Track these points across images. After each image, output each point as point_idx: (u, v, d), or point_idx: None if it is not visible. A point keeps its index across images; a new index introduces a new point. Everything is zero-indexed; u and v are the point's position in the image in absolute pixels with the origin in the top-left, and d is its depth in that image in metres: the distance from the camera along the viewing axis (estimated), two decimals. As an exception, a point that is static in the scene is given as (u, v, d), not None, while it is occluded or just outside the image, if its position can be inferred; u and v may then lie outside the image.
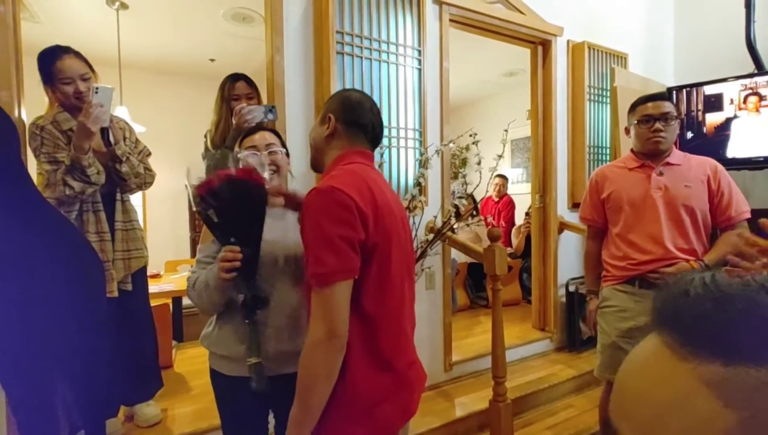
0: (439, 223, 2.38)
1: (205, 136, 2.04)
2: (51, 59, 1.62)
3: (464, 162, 6.32)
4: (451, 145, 2.41)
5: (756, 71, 3.07)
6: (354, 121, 1.02)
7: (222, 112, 1.96)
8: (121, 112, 3.27)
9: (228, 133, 1.83)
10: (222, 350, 1.17)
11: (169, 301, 2.85)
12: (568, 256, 3.07)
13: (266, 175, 1.13)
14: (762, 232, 0.91)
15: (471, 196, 3.66)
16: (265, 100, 2.09)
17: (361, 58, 2.14)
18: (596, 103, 3.11)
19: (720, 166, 1.62)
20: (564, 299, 3.05)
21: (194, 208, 1.10)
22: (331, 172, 0.98)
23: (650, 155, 1.64)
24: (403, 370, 1.00)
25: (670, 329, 0.31)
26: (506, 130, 2.32)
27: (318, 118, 1.09)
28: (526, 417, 2.35)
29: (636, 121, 1.65)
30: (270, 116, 1.70)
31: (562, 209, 3.07)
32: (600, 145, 3.15)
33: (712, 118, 3.08)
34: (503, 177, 4.74)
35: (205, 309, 1.18)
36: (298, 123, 2.04)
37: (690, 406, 0.28)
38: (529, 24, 2.77)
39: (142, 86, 4.60)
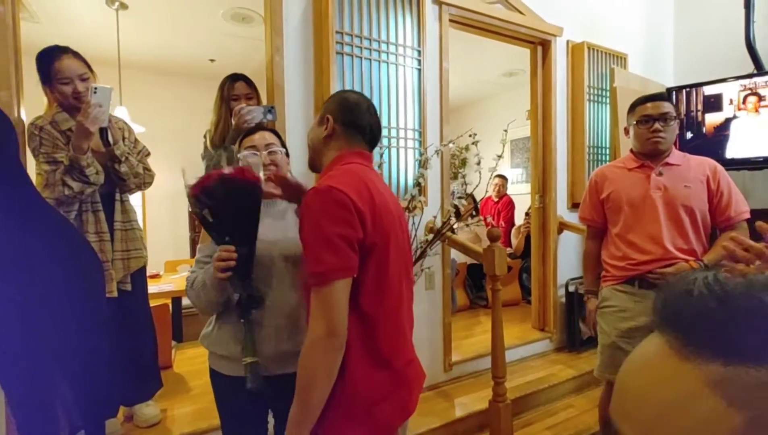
0: (438, 223, 2.38)
1: (205, 137, 2.04)
2: (49, 59, 1.62)
3: (464, 162, 6.32)
4: (450, 145, 2.41)
5: (755, 71, 3.07)
6: (352, 122, 1.03)
7: (221, 112, 1.96)
8: (120, 112, 3.27)
9: (227, 134, 1.83)
10: (222, 350, 1.17)
11: (169, 301, 2.85)
12: (568, 257, 3.07)
13: (261, 174, 1.13)
14: (759, 235, 0.91)
15: (471, 196, 3.66)
16: (264, 100, 2.09)
17: (361, 58, 2.14)
18: (596, 104, 3.11)
19: (719, 167, 1.62)
20: (564, 299, 3.05)
21: (191, 208, 1.10)
22: (329, 172, 0.99)
23: (650, 155, 1.64)
24: (402, 369, 1.00)
25: (672, 329, 0.31)
26: (506, 131, 2.32)
27: (316, 118, 1.09)
28: (525, 417, 2.35)
29: (635, 122, 1.65)
30: (269, 117, 1.70)
31: (562, 209, 3.07)
32: (600, 145, 3.15)
33: (712, 119, 3.08)
34: (503, 177, 4.74)
35: (203, 309, 1.18)
36: (298, 123, 2.04)
37: (693, 407, 0.28)
38: (528, 24, 2.77)
39: (142, 86, 4.60)
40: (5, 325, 1.13)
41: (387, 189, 1.07)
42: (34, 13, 3.34)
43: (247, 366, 1.08)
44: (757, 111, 2.89)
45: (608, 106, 3.16)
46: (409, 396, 1.02)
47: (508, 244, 4.29)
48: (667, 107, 1.60)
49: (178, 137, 4.68)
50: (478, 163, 2.20)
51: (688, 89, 3.17)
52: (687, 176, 1.60)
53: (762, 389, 0.26)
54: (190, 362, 2.72)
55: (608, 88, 3.14)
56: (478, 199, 4.19)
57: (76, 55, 1.68)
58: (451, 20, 2.49)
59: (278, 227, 1.22)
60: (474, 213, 4.16)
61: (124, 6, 3.31)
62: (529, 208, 3.33)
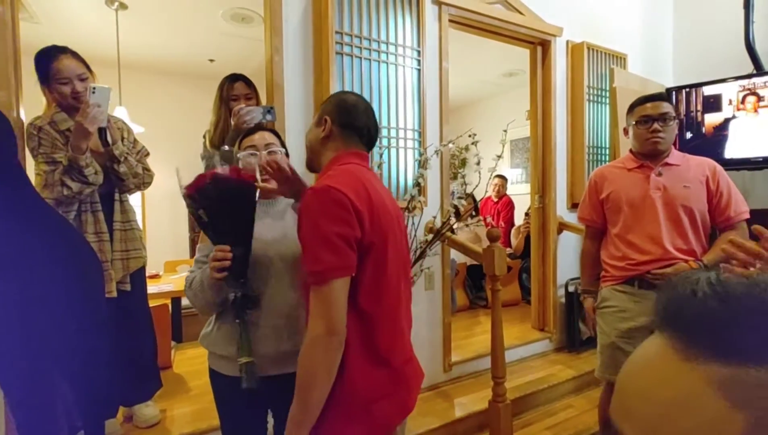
0: (438, 223, 2.38)
1: (204, 137, 2.04)
2: (48, 59, 1.62)
3: (463, 162, 6.33)
4: (450, 145, 2.41)
5: (755, 72, 3.07)
6: (350, 123, 1.04)
7: (221, 112, 1.96)
8: (120, 112, 3.27)
9: (227, 134, 1.83)
10: (221, 350, 1.17)
11: (168, 301, 2.85)
12: (568, 257, 3.07)
13: (258, 174, 1.13)
14: (756, 237, 0.91)
15: (471, 196, 3.66)
16: (264, 100, 2.09)
17: (361, 58, 2.14)
18: (595, 104, 3.11)
19: (719, 167, 1.62)
20: (563, 299, 3.05)
21: (187, 208, 1.11)
22: (327, 172, 1.00)
23: (649, 156, 1.64)
24: (400, 367, 1.01)
25: (674, 329, 0.31)
26: (505, 131, 2.33)
27: (314, 119, 1.10)
28: (525, 417, 2.35)
29: (634, 122, 1.65)
30: (268, 117, 1.70)
31: (562, 209, 3.07)
32: (599, 145, 3.15)
33: (711, 119, 3.08)
34: (502, 177, 4.74)
35: (201, 309, 1.18)
36: (298, 123, 2.04)
37: (696, 407, 0.28)
38: (528, 24, 2.77)
39: (141, 86, 4.60)
40: (5, 325, 1.13)
41: (384, 189, 1.08)
42: (34, 13, 3.34)
43: (242, 366, 1.08)
44: (756, 111, 2.90)
45: (608, 106, 3.16)
46: (408, 394, 1.02)
47: (508, 244, 4.29)
48: (666, 107, 1.60)
49: (178, 137, 4.67)
50: (478, 164, 2.20)
51: (687, 89, 3.18)
52: (686, 176, 1.60)
53: (765, 389, 0.26)
54: (190, 362, 2.72)
55: (608, 89, 3.14)
56: (477, 199, 4.19)
57: (75, 55, 1.67)
58: (450, 20, 2.49)
59: (277, 227, 1.22)
60: (474, 213, 4.16)
61: (123, 6, 3.31)
62: (529, 209, 3.33)
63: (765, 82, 2.87)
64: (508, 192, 4.79)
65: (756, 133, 2.90)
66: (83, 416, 1.34)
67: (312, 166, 1.11)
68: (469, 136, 2.40)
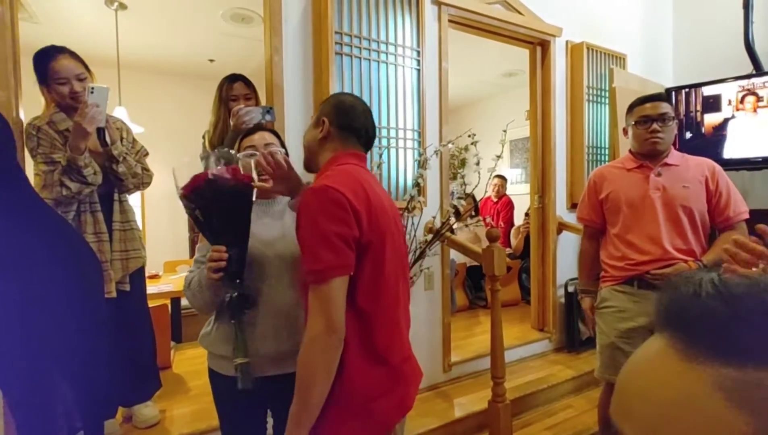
0: (437, 223, 2.38)
1: (204, 138, 2.04)
2: (46, 59, 1.62)
3: (463, 162, 6.32)
4: (450, 145, 2.42)
5: (754, 72, 3.08)
6: (347, 124, 1.05)
7: (220, 113, 1.96)
8: (119, 112, 3.27)
9: (226, 134, 1.83)
10: (220, 350, 1.17)
11: (168, 301, 2.85)
12: (567, 257, 3.07)
13: (254, 174, 1.13)
14: (759, 236, 0.91)
15: (472, 196, 3.66)
16: (263, 100, 2.09)
17: (360, 58, 2.14)
18: (595, 104, 3.11)
19: (718, 167, 1.62)
20: (563, 300, 3.05)
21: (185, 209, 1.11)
22: (325, 172, 1.01)
23: (648, 156, 1.64)
24: (399, 366, 1.01)
25: (676, 330, 0.31)
26: (505, 131, 2.33)
27: (312, 120, 1.11)
28: (525, 417, 2.35)
29: (634, 122, 1.65)
30: (267, 117, 1.70)
31: (561, 210, 3.07)
32: (599, 145, 3.16)
33: (711, 119, 3.08)
34: (502, 177, 4.74)
35: (200, 308, 1.19)
36: (297, 123, 2.04)
37: (697, 408, 0.28)
38: (527, 24, 2.77)
39: (141, 87, 4.59)
40: (5, 325, 1.13)
41: (382, 189, 1.09)
42: (33, 14, 3.34)
43: (237, 367, 1.09)
44: (755, 111, 2.90)
45: (607, 106, 3.16)
46: (407, 392, 1.03)
47: (508, 244, 4.29)
48: (665, 108, 1.60)
49: (178, 137, 4.66)
50: (477, 164, 2.20)
51: (687, 90, 3.18)
52: (686, 177, 1.60)
53: (767, 391, 0.26)
54: (189, 363, 2.71)
55: (607, 89, 3.15)
56: (477, 199, 4.19)
57: (73, 55, 1.67)
58: (450, 20, 2.49)
59: (276, 227, 1.23)
60: (473, 213, 4.16)
61: (123, 6, 3.31)
62: (529, 209, 3.33)
63: (764, 83, 2.88)
64: (508, 192, 4.79)
65: (755, 133, 2.90)
66: (83, 416, 1.34)
67: (309, 166, 1.12)
68: (469, 136, 2.40)
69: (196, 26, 3.75)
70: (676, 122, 1.66)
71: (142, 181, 1.85)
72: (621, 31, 3.36)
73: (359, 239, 0.91)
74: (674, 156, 1.64)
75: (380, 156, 2.20)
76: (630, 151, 1.72)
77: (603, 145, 3.18)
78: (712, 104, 3.07)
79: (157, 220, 4.86)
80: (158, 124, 4.54)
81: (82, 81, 1.66)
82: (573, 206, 3.06)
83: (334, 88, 2.03)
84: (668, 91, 3.25)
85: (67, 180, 1.56)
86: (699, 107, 3.13)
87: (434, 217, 2.42)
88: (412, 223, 2.26)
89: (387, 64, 2.23)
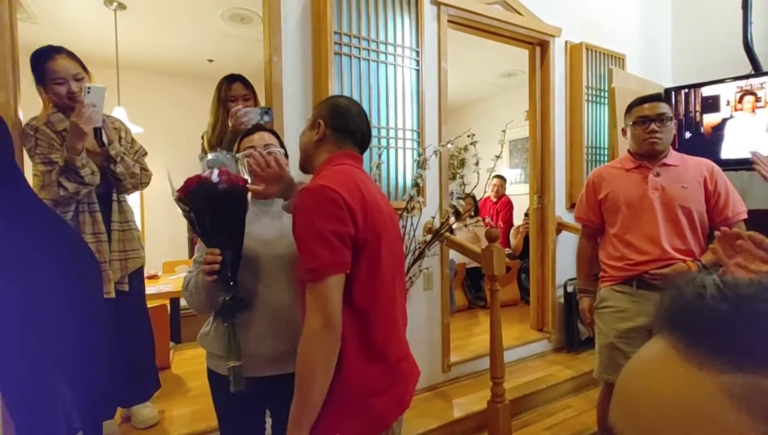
0: (437, 223, 2.38)
1: (202, 138, 2.04)
2: (43, 59, 1.62)
3: (462, 163, 6.33)
4: (449, 145, 2.41)
5: (753, 72, 3.08)
6: (343, 127, 1.07)
7: (218, 113, 1.96)
8: (118, 112, 3.26)
9: (225, 135, 1.83)
10: (218, 350, 1.17)
11: (167, 302, 2.85)
12: (566, 257, 3.07)
13: (246, 175, 1.14)
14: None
15: (472, 196, 3.66)
16: (262, 100, 2.09)
17: (359, 58, 2.14)
18: (594, 104, 3.12)
19: (716, 167, 1.63)
20: (562, 300, 3.05)
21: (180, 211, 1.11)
22: (321, 172, 1.02)
23: (647, 156, 1.64)
24: (397, 363, 1.02)
25: (681, 333, 0.30)
26: (504, 131, 2.33)
27: (308, 122, 1.12)
28: (524, 418, 2.35)
29: (632, 123, 1.65)
30: (266, 118, 1.70)
31: (560, 210, 3.07)
32: (598, 145, 3.16)
33: (710, 119, 3.09)
34: (501, 178, 4.74)
35: (198, 309, 1.19)
36: (296, 123, 2.04)
37: (705, 416, 0.27)
38: (527, 25, 2.77)
39: (140, 87, 4.59)
40: (4, 325, 1.13)
41: (378, 189, 1.10)
42: (32, 14, 3.34)
43: (230, 370, 1.09)
44: (753, 111, 2.90)
45: (606, 106, 3.17)
46: (405, 390, 1.04)
47: (507, 244, 4.29)
48: (663, 108, 1.60)
49: (177, 138, 4.67)
50: (477, 164, 2.20)
51: (686, 90, 3.18)
52: (684, 177, 1.60)
53: None
54: (189, 363, 2.71)
55: (606, 89, 3.15)
56: (477, 199, 4.19)
57: (71, 55, 1.67)
58: (449, 21, 2.49)
59: (274, 227, 1.23)
60: (473, 213, 4.16)
61: (122, 6, 3.31)
62: (528, 209, 3.33)
63: (762, 83, 2.88)
64: (507, 192, 4.79)
65: (754, 133, 2.91)
66: (82, 417, 1.34)
67: (305, 167, 1.13)
68: (468, 136, 2.40)
69: (195, 26, 3.75)
70: (675, 122, 1.66)
71: (141, 181, 1.85)
72: (620, 32, 3.36)
73: (355, 237, 0.92)
74: (673, 156, 1.64)
75: (379, 156, 2.20)
76: (629, 151, 1.72)
77: (602, 146, 3.18)
78: (711, 104, 3.07)
79: (156, 221, 4.86)
80: (157, 124, 4.54)
81: (80, 81, 1.66)
82: (572, 206, 3.06)
83: (333, 88, 2.03)
84: (668, 91, 3.25)
85: (65, 180, 1.55)
86: (698, 107, 3.13)
87: (433, 218, 2.42)
88: (412, 223, 2.26)
89: (386, 64, 2.23)
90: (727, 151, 3.01)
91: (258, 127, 1.31)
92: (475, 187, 2.30)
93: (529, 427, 2.28)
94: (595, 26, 3.20)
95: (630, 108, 1.68)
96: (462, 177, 6.18)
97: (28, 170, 1.55)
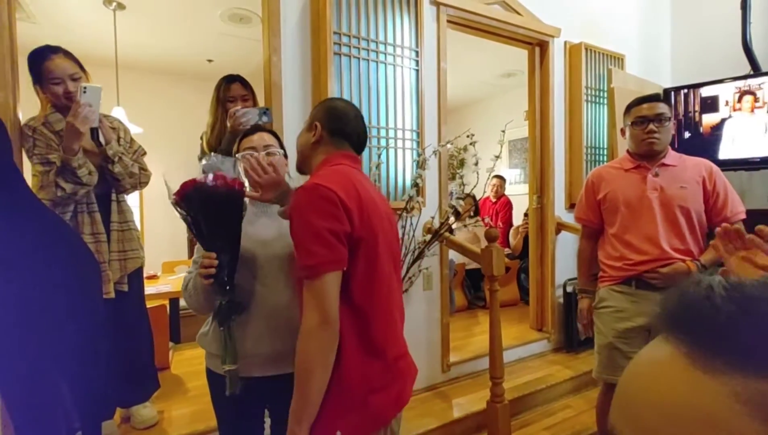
0: (436, 223, 2.38)
1: (201, 138, 2.03)
2: (40, 59, 1.61)
3: (462, 163, 6.33)
4: (448, 145, 2.42)
5: (752, 72, 3.08)
6: (340, 129, 1.08)
7: (217, 114, 1.96)
8: (117, 112, 3.26)
9: (223, 136, 1.83)
10: (218, 350, 1.17)
11: (166, 302, 2.85)
12: (566, 257, 3.08)
13: (244, 177, 1.14)
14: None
15: (472, 196, 3.66)
16: (262, 100, 2.08)
17: (359, 58, 2.14)
18: (593, 104, 3.12)
19: (715, 168, 1.63)
20: (561, 300, 3.05)
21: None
22: (317, 172, 1.04)
23: (645, 156, 1.65)
24: (395, 360, 1.03)
25: (688, 336, 0.29)
26: (503, 131, 2.33)
27: (305, 124, 1.14)
28: (523, 417, 2.35)
29: (630, 123, 1.65)
30: (264, 118, 1.70)
31: (560, 210, 3.08)
32: (597, 145, 3.16)
33: (709, 119, 3.09)
34: (501, 178, 4.75)
35: (197, 310, 1.19)
36: (296, 124, 2.04)
37: (715, 423, 0.25)
38: (526, 25, 2.78)
39: (139, 87, 4.59)
40: (4, 326, 1.13)
41: (375, 189, 1.11)
42: (31, 14, 3.33)
43: (226, 373, 1.09)
44: (752, 111, 2.91)
45: (606, 106, 3.17)
46: (403, 387, 1.05)
47: (506, 244, 4.29)
48: (662, 108, 1.61)
49: (176, 138, 4.67)
50: (476, 164, 2.20)
51: (685, 90, 3.19)
52: (683, 177, 1.60)
53: None
54: (188, 363, 2.71)
55: (606, 89, 3.15)
56: (477, 199, 4.19)
57: (68, 54, 1.67)
58: (448, 21, 2.50)
59: (273, 227, 1.23)
60: (472, 213, 4.16)
61: (121, 6, 3.30)
62: (527, 209, 3.33)
63: (760, 84, 2.89)
64: (507, 192, 4.79)
65: (753, 133, 2.91)
66: (81, 417, 1.34)
67: (302, 168, 1.15)
68: (468, 136, 2.40)
69: (194, 26, 3.75)
70: (673, 123, 1.67)
71: (140, 180, 1.84)
72: (619, 32, 3.36)
73: (351, 234, 0.93)
74: (672, 156, 1.64)
75: (379, 156, 2.20)
76: (627, 151, 1.72)
77: (601, 146, 3.18)
78: (710, 105, 3.08)
79: (156, 221, 4.85)
80: (156, 124, 4.54)
81: (77, 81, 1.65)
82: (571, 206, 3.06)
83: (332, 88, 2.03)
84: (667, 91, 3.26)
85: (62, 181, 1.55)
86: (697, 108, 3.14)
87: (433, 218, 2.42)
88: (411, 224, 2.26)
89: (386, 64, 2.23)
90: (727, 152, 3.02)
91: (258, 128, 1.31)
92: (475, 187, 2.31)
93: (528, 427, 2.28)
94: (595, 26, 3.20)
95: (629, 108, 1.68)
96: (461, 177, 6.19)
97: (27, 171, 1.55)
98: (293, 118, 2.04)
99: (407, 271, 2.27)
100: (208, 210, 1.06)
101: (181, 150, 4.32)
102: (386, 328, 1.01)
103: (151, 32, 3.86)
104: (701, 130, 3.12)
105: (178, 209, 1.08)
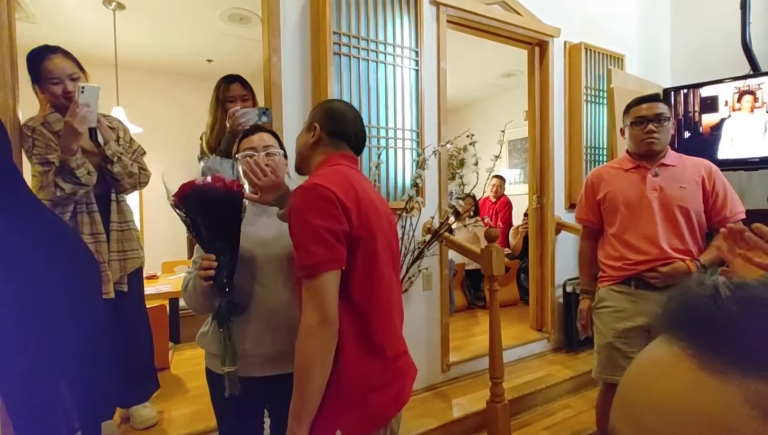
0: (436, 223, 2.38)
1: (201, 139, 2.03)
2: (39, 59, 1.61)
3: (462, 163, 6.33)
4: (448, 145, 2.42)
5: (751, 72, 3.09)
6: (339, 130, 1.09)
7: (217, 114, 1.95)
8: (117, 112, 3.26)
9: (223, 136, 1.83)
10: (217, 350, 1.17)
11: (166, 302, 2.85)
12: (566, 257, 3.08)
13: (243, 180, 1.14)
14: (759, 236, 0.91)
15: (472, 196, 3.66)
16: (262, 100, 2.08)
17: (359, 58, 2.14)
18: (593, 104, 3.12)
19: (715, 168, 1.63)
20: (561, 300, 3.05)
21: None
22: (316, 173, 1.04)
23: (645, 156, 1.65)
24: (394, 359, 1.03)
25: (693, 337, 0.28)
26: (503, 131, 2.33)
27: (304, 125, 1.14)
28: (523, 417, 2.35)
29: (630, 123, 1.65)
30: (264, 119, 1.69)
31: (559, 210, 3.08)
32: (597, 145, 3.16)
33: (709, 119, 3.09)
34: (500, 178, 4.75)
35: (197, 310, 1.19)
36: (296, 124, 2.04)
37: (723, 426, 0.25)
38: (526, 25, 2.78)
39: (139, 87, 4.59)
40: (4, 326, 1.13)
41: (373, 189, 1.11)
42: (31, 14, 3.33)
43: (225, 375, 1.09)
44: (752, 111, 2.91)
45: (605, 106, 3.17)
46: (403, 386, 1.05)
47: (506, 244, 4.29)
48: (661, 108, 1.61)
49: (176, 138, 4.67)
50: (476, 164, 2.20)
51: (685, 90, 3.19)
52: (682, 177, 1.60)
53: None
54: (188, 363, 2.71)
55: (605, 89, 3.15)
56: (476, 199, 4.20)
57: (67, 54, 1.66)
58: (448, 21, 2.50)
59: (273, 227, 1.23)
60: (472, 214, 4.16)
61: (121, 6, 3.30)
62: (527, 209, 3.33)
63: (760, 84, 2.89)
64: (506, 192, 4.79)
65: (753, 133, 2.91)
66: (81, 417, 1.34)
67: (301, 169, 1.15)
68: (467, 136, 2.40)
69: (194, 26, 3.74)
70: (673, 123, 1.67)
71: (139, 180, 1.84)
72: (619, 32, 3.37)
73: (349, 234, 0.93)
74: (671, 156, 1.64)
75: (378, 156, 2.20)
76: (627, 151, 1.73)
77: (601, 146, 3.18)
78: (710, 105, 3.08)
79: (155, 221, 4.85)
80: (156, 124, 4.54)
81: (76, 81, 1.65)
82: (571, 206, 3.06)
83: (332, 88, 2.03)
84: (666, 91, 3.26)
85: (61, 181, 1.55)
86: (697, 108, 3.14)
87: (433, 218, 2.42)
88: (411, 224, 2.26)
89: (385, 64, 2.23)
90: (726, 152, 3.02)
91: (258, 128, 1.31)
92: (475, 187, 2.31)
93: (528, 427, 2.28)
94: (594, 26, 3.20)
95: (628, 108, 1.68)
96: (461, 177, 6.19)
97: (27, 171, 1.55)
98: (293, 118, 2.04)
99: (407, 271, 2.27)
100: (206, 212, 1.06)
101: (180, 150, 4.31)
102: (385, 327, 1.02)
103: (151, 32, 3.86)
104: (701, 130, 3.12)
105: (177, 211, 1.08)
